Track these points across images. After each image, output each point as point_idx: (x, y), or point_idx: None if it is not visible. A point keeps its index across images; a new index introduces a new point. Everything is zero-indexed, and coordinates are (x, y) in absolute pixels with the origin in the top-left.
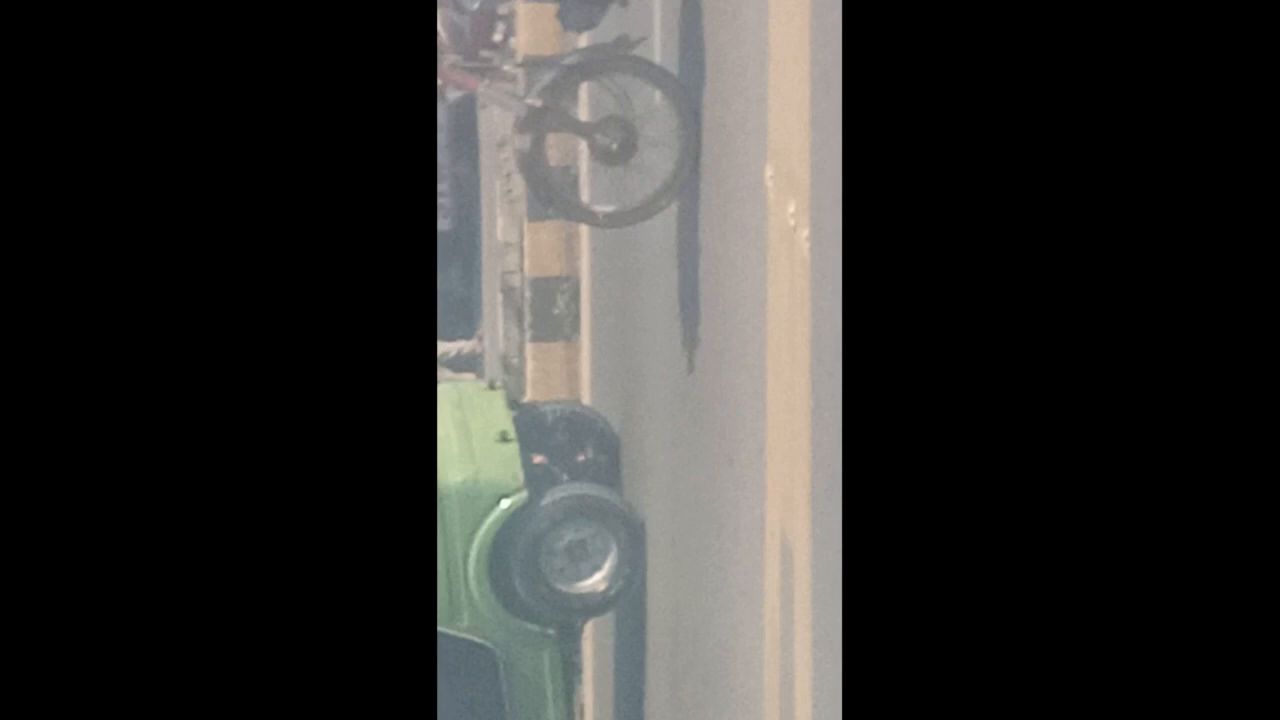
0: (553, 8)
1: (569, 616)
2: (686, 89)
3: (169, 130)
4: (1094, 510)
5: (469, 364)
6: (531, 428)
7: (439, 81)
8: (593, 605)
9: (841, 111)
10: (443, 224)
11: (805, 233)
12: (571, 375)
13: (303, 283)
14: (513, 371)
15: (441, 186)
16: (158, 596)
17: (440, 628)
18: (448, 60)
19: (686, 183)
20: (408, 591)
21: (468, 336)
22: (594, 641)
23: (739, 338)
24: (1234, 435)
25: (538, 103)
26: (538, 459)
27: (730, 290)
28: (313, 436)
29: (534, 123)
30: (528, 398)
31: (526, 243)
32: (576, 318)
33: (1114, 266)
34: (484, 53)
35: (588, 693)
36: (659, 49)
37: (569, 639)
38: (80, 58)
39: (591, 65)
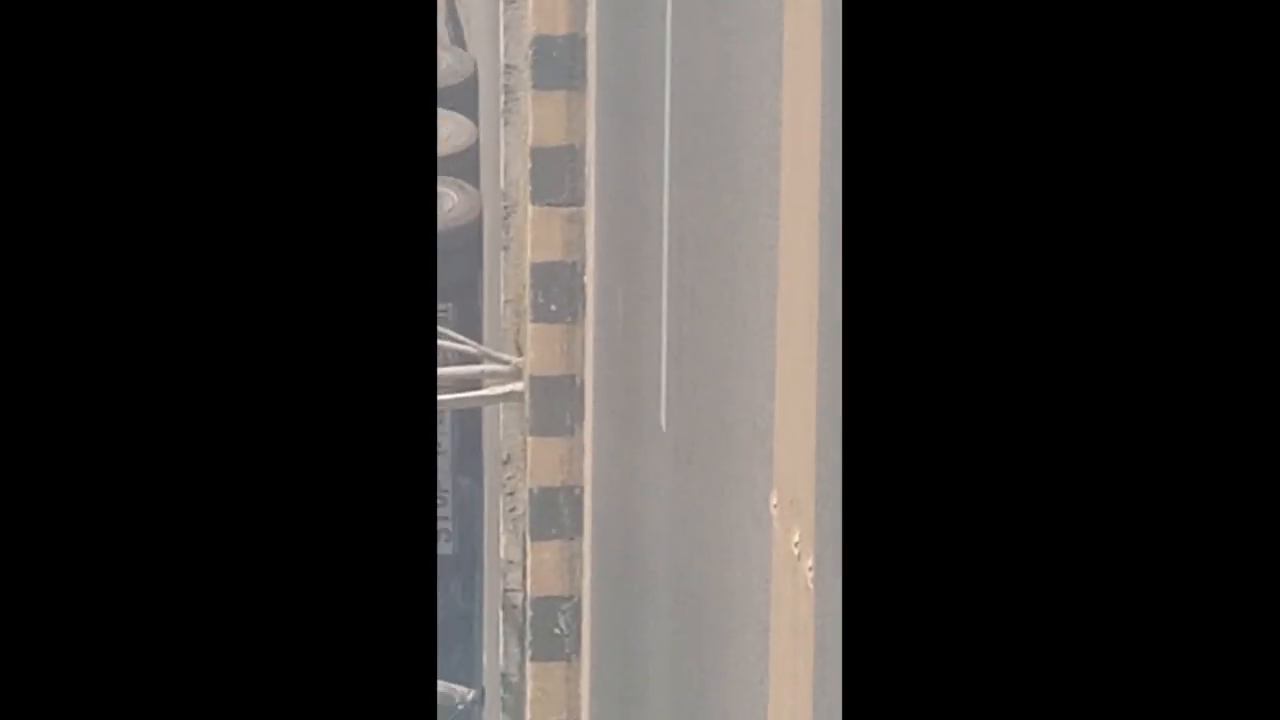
0: None
1: None
2: None
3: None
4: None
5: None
6: None
7: None
8: None
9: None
10: (444, 548)
11: (809, 562)
12: (572, 695)
13: (301, 287)
14: (512, 690)
15: (443, 510)
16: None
17: None
18: None
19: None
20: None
21: (467, 659)
22: None
23: (742, 663)
24: (1234, 435)
25: None
26: None
27: (733, 616)
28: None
29: None
30: (528, 718)
31: (529, 561)
32: (577, 638)
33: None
34: None
35: None
36: (664, 376)
37: None
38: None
39: None
